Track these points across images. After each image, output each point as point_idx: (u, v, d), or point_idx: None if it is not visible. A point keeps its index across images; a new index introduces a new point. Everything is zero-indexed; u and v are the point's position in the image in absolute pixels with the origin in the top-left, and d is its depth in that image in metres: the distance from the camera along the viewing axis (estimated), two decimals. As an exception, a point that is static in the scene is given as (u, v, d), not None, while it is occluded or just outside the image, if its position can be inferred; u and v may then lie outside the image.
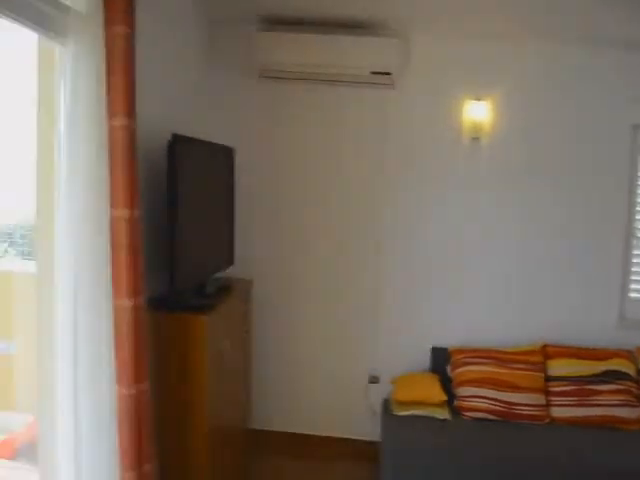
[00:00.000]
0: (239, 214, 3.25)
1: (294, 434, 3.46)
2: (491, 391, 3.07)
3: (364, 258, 3.43)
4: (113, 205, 1.76)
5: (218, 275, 2.91)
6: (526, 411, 3.05)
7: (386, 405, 3.17)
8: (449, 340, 3.36)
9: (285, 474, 3.21)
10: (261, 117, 3.42)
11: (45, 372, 1.79)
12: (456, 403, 3.09)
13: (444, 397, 3.05)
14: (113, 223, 1.75)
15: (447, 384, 3.17)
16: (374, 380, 3.44)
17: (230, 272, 3.11)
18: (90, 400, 1.67)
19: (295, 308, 3.47)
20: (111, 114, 1.81)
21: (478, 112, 3.31)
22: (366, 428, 3.43)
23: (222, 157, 3.02)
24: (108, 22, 1.80)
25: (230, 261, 3.11)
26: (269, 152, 3.43)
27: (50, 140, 1.82)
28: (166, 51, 2.77)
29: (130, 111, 1.88)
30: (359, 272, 3.44)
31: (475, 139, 3.33)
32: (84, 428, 1.68)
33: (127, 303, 1.75)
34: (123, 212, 1.78)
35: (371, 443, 3.39)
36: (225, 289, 2.75)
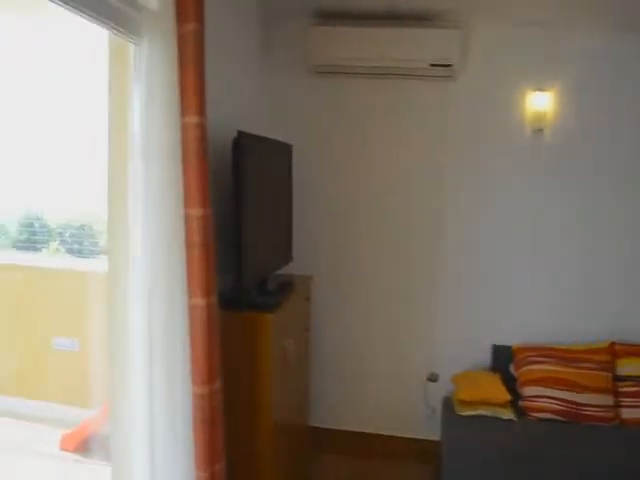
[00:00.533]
0: (296, 211, 3.23)
1: (351, 432, 3.44)
2: (557, 391, 2.97)
3: (424, 254, 3.37)
4: (186, 204, 1.76)
5: (278, 272, 2.90)
6: (594, 412, 2.94)
7: (447, 404, 3.10)
8: (510, 338, 3.27)
9: (342, 472, 3.19)
10: (317, 113, 3.38)
11: (119, 370, 1.79)
12: (521, 403, 3.00)
13: (509, 397, 2.96)
14: (186, 222, 1.75)
15: (509, 383, 3.09)
16: (433, 378, 3.38)
17: (288, 269, 3.09)
18: (165, 399, 1.67)
19: (354, 305, 3.43)
20: (183, 112, 1.81)
21: (541, 103, 3.19)
22: (424, 427, 3.38)
23: (281, 154, 3.01)
24: (179, 19, 1.79)
25: (289, 258, 3.10)
26: (326, 148, 3.39)
27: (123, 138, 1.82)
28: (226, 47, 2.77)
29: (201, 109, 1.87)
30: (419, 269, 3.38)
31: (538, 131, 3.21)
32: (159, 427, 1.68)
33: (201, 302, 1.75)
34: (196, 211, 1.78)
35: (429, 442, 3.33)
36: (286, 286, 2.74)
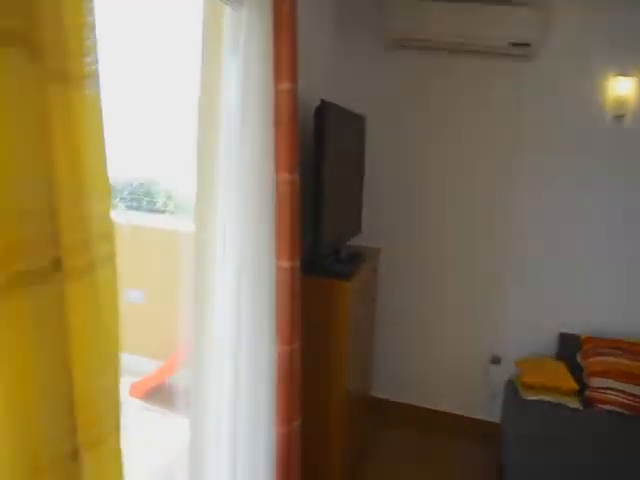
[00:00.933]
0: (367, 182, 3.23)
1: (410, 405, 3.47)
2: (626, 385, 2.89)
3: (491, 236, 3.31)
4: (277, 169, 1.80)
5: (348, 243, 2.93)
6: (663, 408, 2.85)
7: (510, 387, 3.08)
8: (577, 326, 3.19)
9: (399, 444, 3.24)
10: (391, 86, 3.34)
11: (203, 328, 1.85)
12: (588, 394, 2.94)
13: (576, 386, 2.91)
14: (277, 186, 1.79)
15: (574, 372, 3.03)
16: (496, 360, 3.35)
17: (358, 240, 3.11)
18: (250, 356, 1.73)
19: (420, 280, 3.43)
20: (276, 79, 1.83)
21: (623, 88, 3.04)
22: (484, 408, 3.37)
23: (357, 125, 3.00)
24: (277, -15, 1.80)
25: (358, 229, 3.12)
26: (398, 122, 3.36)
27: (215, 103, 1.86)
28: (304, 18, 2.76)
29: (294, 76, 1.90)
30: (488, 246, 3.33)
31: (619, 117, 3.07)
32: (243, 382, 1.75)
33: (286, 265, 1.80)
34: (286, 176, 1.81)
35: (488, 423, 3.33)
36: (357, 256, 2.76)
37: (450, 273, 3.39)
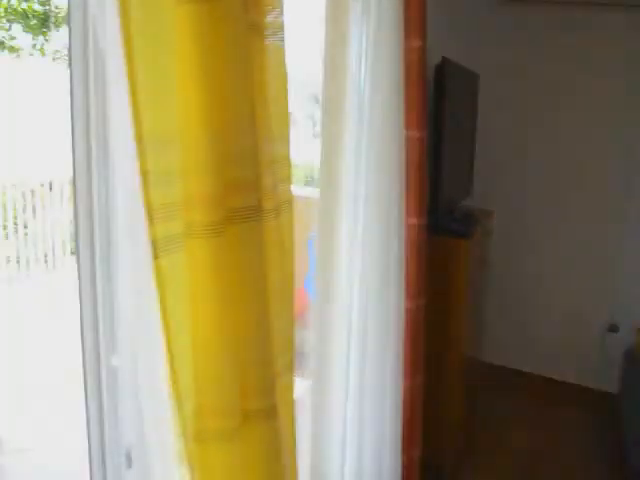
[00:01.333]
0: (479, 143, 3.15)
1: (520, 372, 3.40)
2: None
3: (608, 202, 3.13)
4: (406, 126, 1.79)
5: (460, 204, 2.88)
6: None
7: (629, 357, 2.95)
8: None
9: (509, 411, 3.20)
10: (504, 42, 3.19)
11: (326, 283, 1.88)
12: None
13: None
14: (406, 143, 1.79)
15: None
16: (613, 329, 3.21)
17: (468, 203, 3.06)
18: (379, 309, 1.77)
19: (532, 246, 3.32)
20: (406, 35, 1.82)
21: None
22: (599, 377, 3.25)
23: (471, 84, 2.92)
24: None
25: (469, 191, 3.06)
26: (511, 82, 3.21)
27: (342, 60, 1.86)
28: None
29: (423, 32, 1.87)
30: (605, 212, 3.16)
31: None
32: (371, 337, 1.78)
33: (414, 221, 1.81)
34: (415, 133, 1.81)
35: (603, 393, 3.21)
36: (471, 217, 2.72)
37: (565, 239, 3.26)
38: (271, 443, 0.86)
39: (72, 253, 5.51)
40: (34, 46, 6.55)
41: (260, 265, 0.81)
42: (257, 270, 0.81)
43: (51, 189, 5.54)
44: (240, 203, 0.77)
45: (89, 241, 0.96)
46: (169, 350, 0.78)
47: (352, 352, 1.81)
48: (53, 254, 5.56)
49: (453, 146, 2.52)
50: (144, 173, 0.73)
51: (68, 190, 5.60)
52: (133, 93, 0.70)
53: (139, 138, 0.72)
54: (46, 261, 5.50)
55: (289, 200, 0.95)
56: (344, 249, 1.83)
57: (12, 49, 6.32)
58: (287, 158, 0.94)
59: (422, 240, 1.85)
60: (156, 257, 0.76)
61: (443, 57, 2.30)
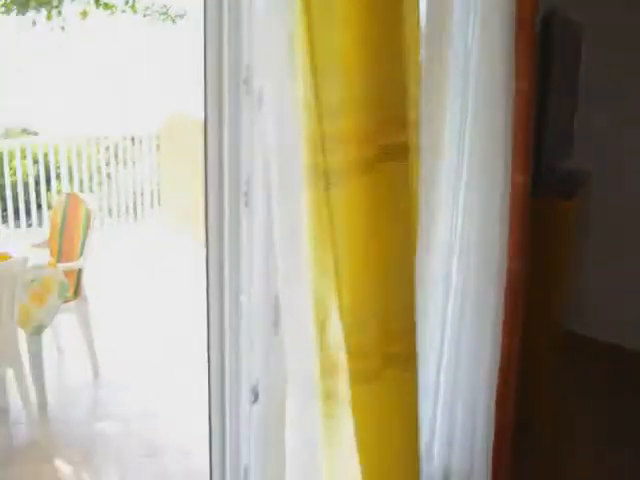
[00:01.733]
0: (580, 101, 2.97)
1: (620, 346, 3.25)
2: None
3: None
4: (515, 77, 1.72)
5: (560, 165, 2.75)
6: None
7: None
8: None
9: (590, 380, 3.06)
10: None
11: (427, 233, 1.83)
12: None
13: None
14: (515, 97, 1.72)
15: None
16: None
17: (568, 165, 2.91)
18: (479, 265, 1.73)
19: (633, 214, 3.12)
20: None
21: None
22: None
23: (576, 37, 2.75)
24: None
25: (570, 151, 2.91)
26: (616, 36, 2.97)
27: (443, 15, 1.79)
28: None
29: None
30: None
31: None
32: (471, 287, 1.75)
33: (520, 179, 1.75)
34: (523, 85, 1.73)
35: None
36: (573, 179, 2.60)
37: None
38: (409, 386, 0.88)
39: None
40: (127, 2, 6.78)
41: (406, 202, 0.82)
42: (405, 206, 0.81)
43: (133, 143, 5.78)
44: (392, 140, 0.77)
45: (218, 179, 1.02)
46: (315, 289, 0.81)
47: (450, 305, 1.80)
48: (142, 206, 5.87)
49: (557, 104, 2.40)
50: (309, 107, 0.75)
51: (153, 144, 5.86)
52: (309, 28, 0.72)
53: (313, 69, 0.74)
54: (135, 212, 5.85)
55: (416, 146, 0.94)
56: (444, 203, 1.80)
57: (106, 6, 6.56)
58: (418, 99, 0.93)
59: (527, 200, 1.79)
60: (312, 189, 0.78)
61: (550, 8, 2.18)
